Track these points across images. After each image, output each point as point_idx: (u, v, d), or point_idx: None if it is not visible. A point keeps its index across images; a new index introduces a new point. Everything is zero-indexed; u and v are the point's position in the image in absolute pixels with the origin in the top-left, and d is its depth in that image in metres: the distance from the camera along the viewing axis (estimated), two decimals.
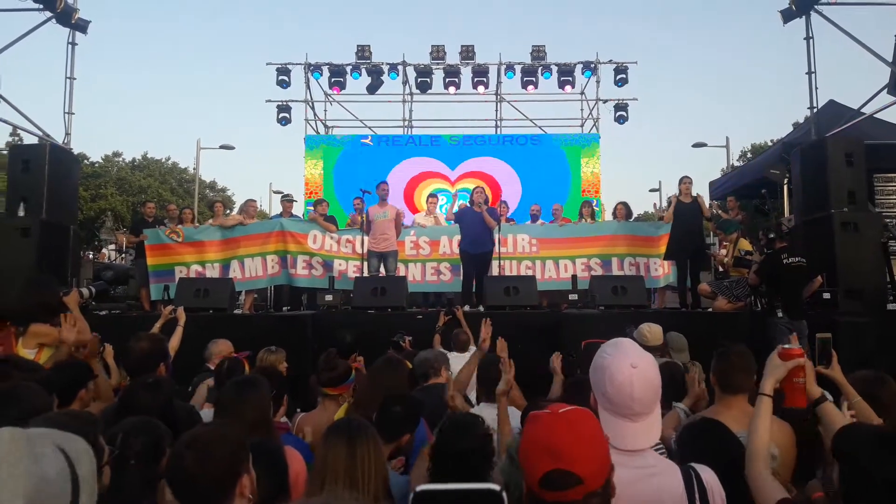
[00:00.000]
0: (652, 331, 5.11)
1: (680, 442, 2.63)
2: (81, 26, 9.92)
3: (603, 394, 1.84)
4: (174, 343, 4.98)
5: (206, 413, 3.82)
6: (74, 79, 10.00)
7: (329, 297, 8.75)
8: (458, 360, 5.13)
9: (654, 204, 16.26)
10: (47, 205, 8.84)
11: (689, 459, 2.41)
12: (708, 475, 1.87)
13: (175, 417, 2.82)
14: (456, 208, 10.93)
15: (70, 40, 9.98)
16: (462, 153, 16.26)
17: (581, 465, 1.39)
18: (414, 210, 14.77)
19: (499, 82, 16.66)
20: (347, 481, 2.22)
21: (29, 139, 10.17)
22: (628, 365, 1.81)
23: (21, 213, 8.71)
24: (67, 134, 9.88)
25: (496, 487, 1.08)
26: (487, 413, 3.34)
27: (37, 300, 4.41)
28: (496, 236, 9.61)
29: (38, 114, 9.61)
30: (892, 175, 11.24)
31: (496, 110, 17.32)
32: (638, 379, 1.79)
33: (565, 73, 15.98)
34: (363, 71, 15.97)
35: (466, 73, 16.01)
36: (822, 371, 3.34)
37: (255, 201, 11.33)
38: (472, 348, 6.28)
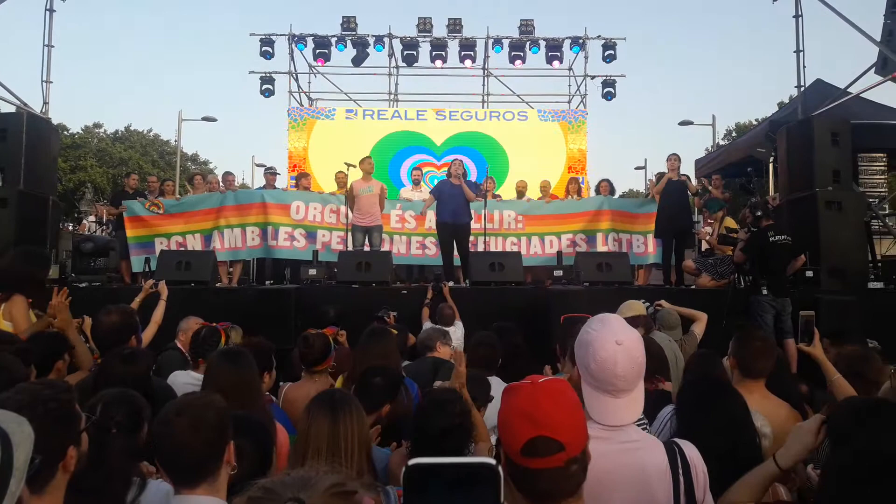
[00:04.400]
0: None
1: (682, 397, 2.61)
2: None
3: (586, 369, 1.83)
4: (157, 317, 4.91)
5: (180, 374, 3.79)
6: (52, 46, 9.78)
7: (313, 272, 8.67)
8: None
9: (651, 180, 16.28)
10: (25, 175, 8.67)
11: (690, 414, 2.41)
12: (691, 450, 1.87)
13: (152, 391, 2.80)
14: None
15: (48, 7, 9.75)
16: (448, 128, 16.13)
17: (562, 432, 1.40)
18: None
19: (486, 56, 16.50)
20: (330, 454, 2.20)
21: (6, 108, 9.95)
22: (613, 342, 1.79)
23: None
24: (45, 103, 9.69)
25: (492, 461, 1.04)
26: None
27: (30, 272, 4.36)
28: (482, 212, 9.57)
29: (15, 82, 9.40)
30: (877, 155, 11.31)
31: (483, 85, 17.17)
32: (622, 356, 1.78)
33: (553, 49, 15.87)
34: (348, 43, 15.76)
35: (453, 47, 15.85)
36: (803, 349, 3.37)
37: (232, 174, 11.16)
38: (458, 322, 6.33)
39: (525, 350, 4.77)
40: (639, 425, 2.57)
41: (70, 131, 36.33)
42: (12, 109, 9.57)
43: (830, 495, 1.63)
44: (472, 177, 12.84)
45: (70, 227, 19.67)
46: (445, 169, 14.96)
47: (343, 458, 2.21)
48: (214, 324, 4.16)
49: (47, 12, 9.76)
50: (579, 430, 1.45)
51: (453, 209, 9.29)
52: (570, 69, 16.92)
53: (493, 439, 2.82)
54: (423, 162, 15.67)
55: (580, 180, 13.26)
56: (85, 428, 1.85)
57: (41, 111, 9.58)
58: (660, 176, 9.80)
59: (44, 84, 9.71)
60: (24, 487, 1.35)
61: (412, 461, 1.04)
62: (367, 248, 9.56)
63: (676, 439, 1.93)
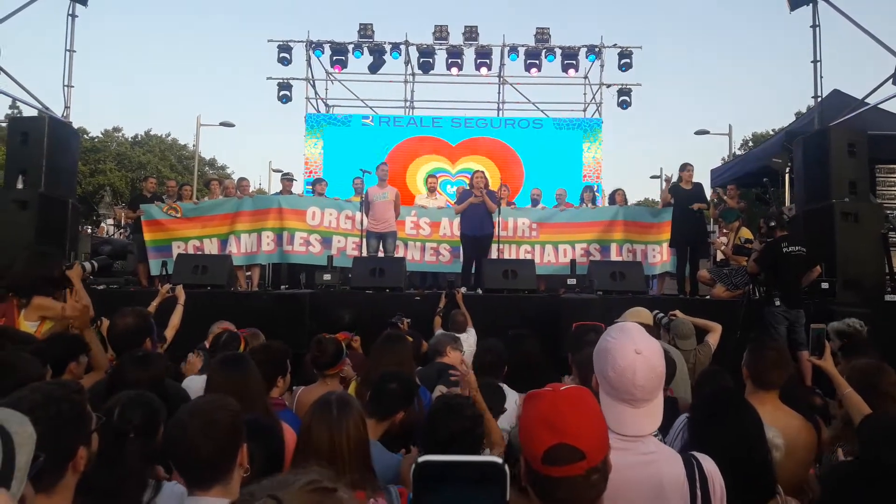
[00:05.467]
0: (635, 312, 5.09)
1: (695, 409, 2.60)
2: None
3: (605, 378, 1.82)
4: (174, 321, 4.95)
5: (196, 379, 3.86)
6: (74, 51, 9.90)
7: (327, 277, 8.71)
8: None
9: (663, 190, 16.19)
10: (46, 178, 8.77)
11: (703, 426, 2.40)
12: (709, 464, 1.85)
13: (166, 393, 2.82)
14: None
15: (70, 12, 9.88)
16: (463, 135, 16.13)
17: (584, 440, 1.39)
18: (408, 192, 14.29)
19: (502, 64, 16.49)
20: (330, 456, 2.20)
21: (28, 112, 10.10)
22: (632, 351, 1.78)
23: (20, 185, 8.65)
24: (67, 107, 9.80)
25: (499, 460, 1.07)
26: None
27: (39, 273, 4.39)
28: (496, 219, 9.60)
29: (37, 87, 9.54)
30: (894, 166, 11.21)
31: (499, 92, 17.18)
32: (641, 366, 1.76)
33: (569, 57, 15.81)
34: (365, 50, 15.79)
35: (469, 55, 15.84)
36: (814, 361, 3.34)
37: (246, 179, 11.24)
38: (470, 329, 6.34)
39: (540, 359, 4.77)
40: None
41: (90, 135, 36.73)
42: (34, 113, 9.72)
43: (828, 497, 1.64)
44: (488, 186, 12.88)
45: (88, 230, 19.87)
46: (459, 170, 15.11)
47: (342, 460, 2.22)
48: (237, 329, 4.21)
49: (69, 17, 9.88)
50: (601, 439, 1.44)
51: (476, 221, 9.41)
52: (585, 77, 16.87)
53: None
54: (436, 147, 15.75)
55: (594, 187, 13.20)
56: (96, 428, 1.88)
57: (62, 115, 9.70)
58: (670, 183, 9.74)
59: (65, 88, 9.82)
60: (28, 486, 1.38)
61: (422, 458, 1.06)
62: (381, 254, 9.61)
63: (694, 452, 1.91)
